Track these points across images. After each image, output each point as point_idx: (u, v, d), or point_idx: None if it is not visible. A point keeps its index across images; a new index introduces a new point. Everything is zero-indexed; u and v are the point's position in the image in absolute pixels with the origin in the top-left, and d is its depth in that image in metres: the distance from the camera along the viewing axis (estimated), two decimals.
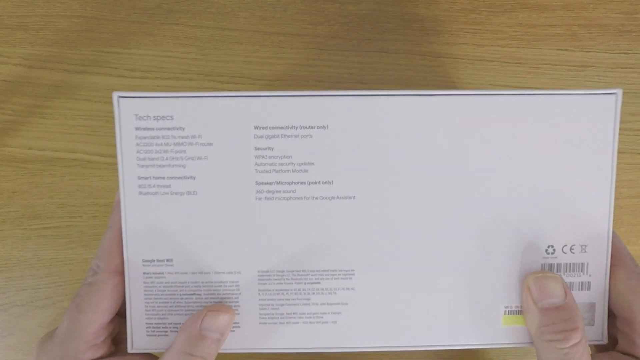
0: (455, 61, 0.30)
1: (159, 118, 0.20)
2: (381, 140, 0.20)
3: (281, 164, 0.20)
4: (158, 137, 0.20)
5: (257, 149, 0.20)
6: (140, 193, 0.20)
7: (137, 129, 0.20)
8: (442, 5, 0.30)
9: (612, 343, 0.21)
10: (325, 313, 0.21)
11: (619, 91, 0.20)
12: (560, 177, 0.20)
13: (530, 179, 0.20)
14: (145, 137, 0.20)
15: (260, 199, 0.20)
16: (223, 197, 0.20)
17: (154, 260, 0.20)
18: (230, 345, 0.21)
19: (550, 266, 0.21)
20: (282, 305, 0.21)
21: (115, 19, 0.30)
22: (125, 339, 0.21)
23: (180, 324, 0.21)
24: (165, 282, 0.21)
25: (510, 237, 0.20)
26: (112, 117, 0.30)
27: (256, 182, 0.20)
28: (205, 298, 0.21)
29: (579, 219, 0.20)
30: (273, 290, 0.21)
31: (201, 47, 0.30)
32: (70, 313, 0.20)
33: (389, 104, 0.20)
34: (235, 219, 0.20)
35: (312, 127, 0.20)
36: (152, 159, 0.20)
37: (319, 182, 0.20)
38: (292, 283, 0.21)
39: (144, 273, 0.20)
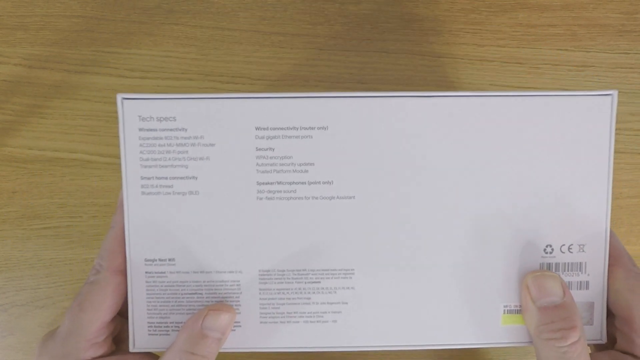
0: (455, 61, 0.30)
1: (162, 119, 0.20)
2: (381, 140, 0.20)
3: (282, 164, 0.20)
4: (161, 138, 0.20)
5: (258, 149, 0.20)
6: (143, 193, 0.20)
7: (140, 130, 0.20)
8: (442, 5, 0.30)
9: (611, 342, 0.21)
10: (325, 312, 0.21)
11: (615, 92, 0.20)
12: (558, 177, 0.20)
13: (529, 179, 0.20)
14: (148, 138, 0.20)
15: (261, 198, 0.20)
16: (224, 197, 0.20)
17: (156, 260, 0.21)
18: (231, 344, 0.21)
19: (549, 265, 0.21)
20: (283, 304, 0.21)
21: (115, 19, 0.30)
22: (126, 338, 0.21)
23: (181, 323, 0.21)
24: (167, 282, 0.21)
25: (509, 237, 0.21)
26: (112, 117, 0.30)
27: (257, 182, 0.20)
28: (207, 297, 0.21)
29: (577, 219, 0.20)
30: (274, 289, 0.21)
31: (201, 47, 0.30)
32: (72, 312, 0.20)
33: (388, 105, 0.20)
34: (237, 218, 0.20)
35: (313, 128, 0.20)
36: (155, 159, 0.20)
37: (319, 182, 0.20)
38: (292, 282, 0.21)
39: (146, 272, 0.21)
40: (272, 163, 0.20)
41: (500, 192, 0.20)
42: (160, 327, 0.21)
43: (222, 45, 0.30)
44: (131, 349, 0.21)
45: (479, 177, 0.20)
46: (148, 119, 0.20)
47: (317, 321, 0.21)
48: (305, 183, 0.20)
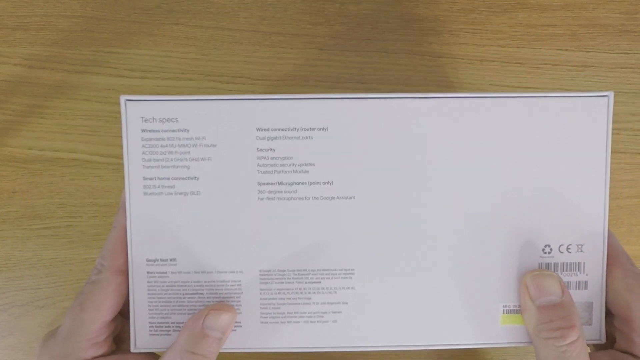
0: (455, 61, 0.30)
1: (164, 120, 0.20)
2: (380, 141, 0.20)
3: (282, 165, 0.20)
4: (163, 139, 0.20)
5: (259, 150, 0.20)
6: (145, 193, 0.20)
7: (143, 131, 0.20)
8: (442, 5, 0.30)
9: (610, 342, 0.21)
10: (325, 312, 0.21)
11: (611, 93, 0.20)
12: (556, 177, 0.20)
13: (527, 179, 0.20)
14: (150, 139, 0.20)
15: (262, 199, 0.20)
16: (226, 197, 0.20)
17: (157, 260, 0.21)
18: (232, 344, 0.21)
19: (548, 265, 0.21)
20: (284, 304, 0.21)
21: (115, 19, 0.30)
22: (127, 338, 0.21)
23: (182, 323, 0.21)
24: (169, 282, 0.21)
25: (507, 237, 0.21)
26: (112, 117, 0.30)
27: (258, 182, 0.20)
28: (208, 297, 0.21)
29: (575, 219, 0.21)
30: (274, 289, 0.21)
31: (201, 47, 0.30)
32: (73, 311, 0.20)
33: (388, 106, 0.20)
34: (238, 218, 0.20)
35: (313, 129, 0.20)
36: (157, 160, 0.20)
37: (319, 183, 0.20)
38: (293, 282, 0.21)
39: (148, 272, 0.21)
40: (272, 164, 0.20)
41: (499, 192, 0.20)
42: (162, 327, 0.21)
43: (222, 45, 0.30)
44: (132, 349, 0.21)
45: (478, 177, 0.20)
46: (150, 120, 0.20)
47: (318, 321, 0.21)
48: (305, 183, 0.20)
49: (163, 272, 0.21)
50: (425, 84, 0.30)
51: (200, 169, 0.20)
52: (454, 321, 0.21)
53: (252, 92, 0.30)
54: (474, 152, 0.20)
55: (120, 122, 0.20)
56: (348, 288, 0.21)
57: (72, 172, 0.30)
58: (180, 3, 0.30)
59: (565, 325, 0.19)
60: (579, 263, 0.21)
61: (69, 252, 0.30)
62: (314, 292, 0.21)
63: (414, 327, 0.21)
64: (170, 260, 0.21)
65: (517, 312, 0.21)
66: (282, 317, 0.21)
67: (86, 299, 0.20)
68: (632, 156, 0.30)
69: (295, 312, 0.21)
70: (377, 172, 0.20)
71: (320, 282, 0.21)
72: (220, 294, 0.21)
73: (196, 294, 0.21)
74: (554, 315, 0.19)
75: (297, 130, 0.20)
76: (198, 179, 0.20)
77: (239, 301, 0.21)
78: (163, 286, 0.21)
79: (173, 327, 0.21)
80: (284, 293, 0.21)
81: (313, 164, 0.20)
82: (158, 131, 0.20)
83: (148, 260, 0.21)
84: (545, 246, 0.21)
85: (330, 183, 0.20)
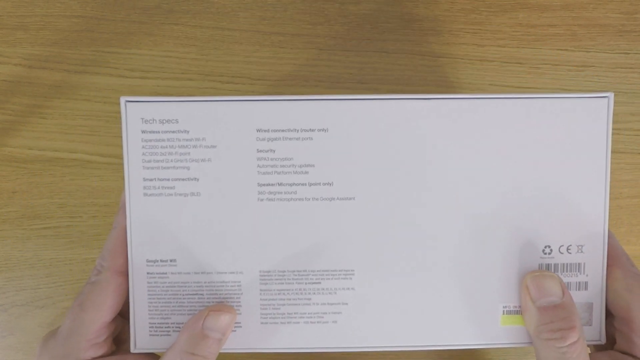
0: (455, 61, 0.30)
1: (164, 121, 0.20)
2: (380, 142, 0.20)
3: (282, 166, 0.20)
4: (163, 140, 0.20)
5: (259, 151, 0.20)
6: (145, 194, 0.20)
7: (143, 132, 0.20)
8: (442, 5, 0.30)
9: (610, 342, 0.21)
10: (325, 313, 0.21)
11: (611, 94, 0.20)
12: (556, 178, 0.20)
13: (527, 180, 0.20)
14: (150, 140, 0.20)
15: (262, 200, 0.20)
16: (226, 198, 0.20)
17: (157, 261, 0.21)
18: (232, 345, 0.21)
19: (548, 266, 0.21)
20: (284, 305, 0.21)
21: (115, 19, 0.30)
22: (127, 338, 0.21)
23: (182, 323, 0.21)
24: (169, 282, 0.21)
25: (508, 237, 0.21)
26: (112, 117, 0.30)
27: (258, 183, 0.20)
28: (208, 298, 0.21)
29: (575, 220, 0.21)
30: (274, 290, 0.21)
31: (201, 47, 0.30)
32: (73, 311, 0.20)
33: (388, 107, 0.20)
34: (238, 219, 0.20)
35: (313, 130, 0.20)
36: (157, 161, 0.20)
37: (319, 184, 0.20)
38: (293, 283, 0.21)
39: (148, 273, 0.21)
40: (272, 165, 0.20)
41: (499, 192, 0.20)
42: (162, 327, 0.21)
43: (222, 45, 0.30)
44: (132, 350, 0.21)
45: (478, 177, 0.20)
46: (151, 121, 0.20)
47: (318, 322, 0.21)
48: (305, 184, 0.20)
49: (163, 273, 0.21)
50: (425, 84, 0.30)
51: (200, 170, 0.20)
52: (454, 321, 0.21)
53: (252, 92, 0.30)
54: (474, 153, 0.20)
55: (120, 122, 0.20)
56: (348, 289, 0.21)
57: (72, 172, 0.30)
58: (180, 3, 0.30)
59: (566, 326, 0.19)
60: (579, 264, 0.21)
61: (69, 252, 0.30)
62: (314, 293, 0.21)
63: (414, 327, 0.21)
64: (170, 261, 0.21)
65: (517, 312, 0.21)
66: (282, 318, 0.21)
67: (86, 300, 0.20)
68: (632, 156, 0.30)
69: (295, 313, 0.21)
70: (377, 172, 0.20)
71: (320, 282, 0.21)
72: (220, 294, 0.21)
73: (196, 294, 0.21)
74: (554, 316, 0.19)
75: (297, 131, 0.20)
76: (198, 180, 0.20)
77: (239, 302, 0.21)
78: (163, 287, 0.21)
79: (173, 327, 0.21)
80: (284, 294, 0.21)
81: (313, 165, 0.20)
82: (158, 132, 0.20)
83: (148, 260, 0.21)
84: (545, 247, 0.21)
85: (330, 184, 0.20)
